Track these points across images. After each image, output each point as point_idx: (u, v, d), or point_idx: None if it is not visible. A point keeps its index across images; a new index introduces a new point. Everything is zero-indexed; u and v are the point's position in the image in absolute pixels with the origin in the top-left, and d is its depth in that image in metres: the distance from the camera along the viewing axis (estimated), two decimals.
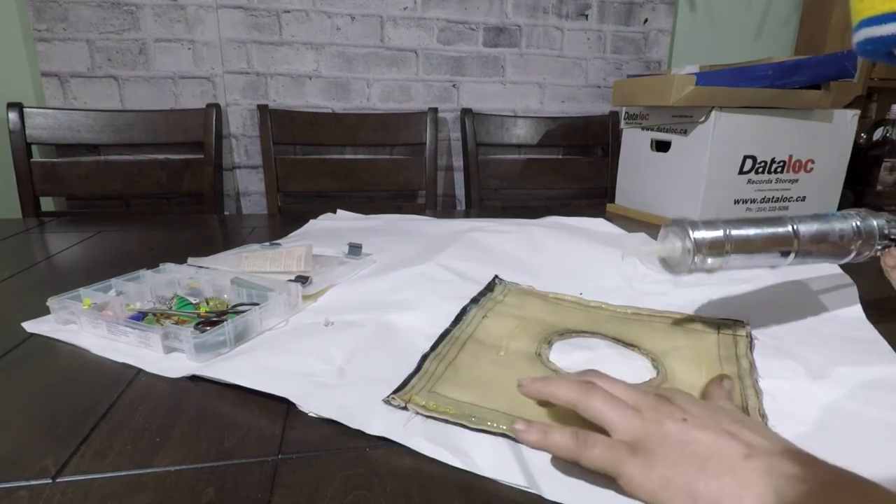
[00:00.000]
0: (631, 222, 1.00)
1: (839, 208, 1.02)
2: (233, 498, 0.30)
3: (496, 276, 0.64)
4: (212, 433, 0.36)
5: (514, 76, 1.50)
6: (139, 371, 0.44)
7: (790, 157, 0.95)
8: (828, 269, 0.63)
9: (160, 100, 1.31)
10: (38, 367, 0.45)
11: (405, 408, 0.38)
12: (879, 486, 0.25)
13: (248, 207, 1.44)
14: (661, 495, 0.28)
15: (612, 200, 1.15)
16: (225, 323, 0.46)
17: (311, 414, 0.38)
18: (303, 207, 1.42)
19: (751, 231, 0.45)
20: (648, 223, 1.00)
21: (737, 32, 1.65)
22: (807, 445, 0.35)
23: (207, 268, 0.63)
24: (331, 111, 1.40)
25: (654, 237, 0.85)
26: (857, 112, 0.98)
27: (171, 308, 0.53)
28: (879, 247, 0.47)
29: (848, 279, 0.61)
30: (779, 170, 0.95)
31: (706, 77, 0.88)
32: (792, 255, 0.45)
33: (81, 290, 0.53)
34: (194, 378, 0.42)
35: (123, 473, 0.32)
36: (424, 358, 0.44)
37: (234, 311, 0.51)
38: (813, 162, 0.97)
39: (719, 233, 0.44)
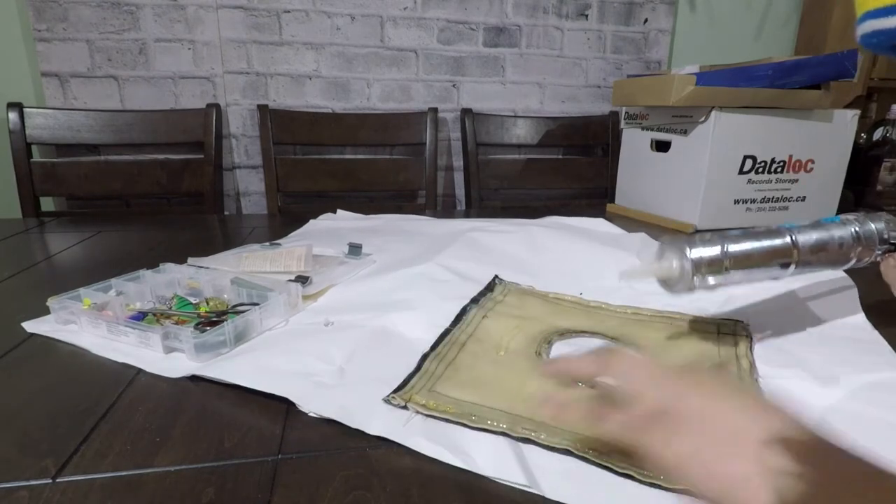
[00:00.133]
0: (631, 222, 1.00)
1: (839, 208, 1.02)
2: (233, 498, 0.30)
3: (496, 276, 0.64)
4: (212, 433, 0.36)
5: (514, 76, 1.50)
6: (139, 371, 0.44)
7: (790, 157, 0.95)
8: (828, 271, 0.63)
9: (160, 100, 1.30)
10: (38, 367, 0.45)
11: (405, 407, 0.38)
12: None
13: (248, 207, 1.44)
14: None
15: (612, 200, 1.15)
16: (225, 323, 0.46)
17: (311, 414, 0.38)
18: (303, 207, 1.42)
19: (749, 245, 0.44)
20: (648, 223, 1.00)
21: (737, 32, 1.65)
22: None
23: (207, 268, 0.63)
24: (331, 111, 1.40)
25: (654, 237, 0.85)
26: (857, 112, 0.98)
27: (171, 308, 0.53)
28: (879, 251, 0.47)
29: (849, 280, 0.61)
30: (779, 170, 0.95)
31: (706, 77, 0.88)
32: (792, 267, 0.45)
33: (81, 290, 0.53)
34: (194, 378, 0.42)
35: (123, 473, 0.32)
36: (424, 358, 0.44)
37: (234, 311, 0.51)
38: (813, 162, 0.97)
39: (717, 250, 0.43)
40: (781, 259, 0.45)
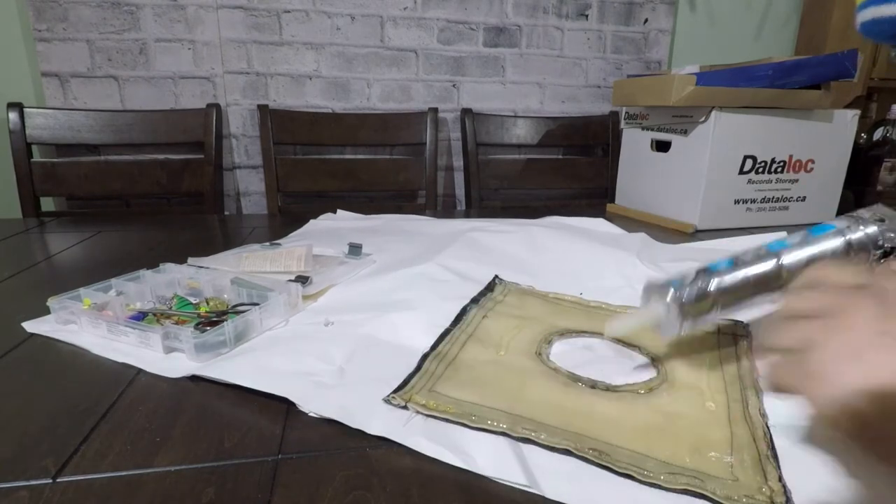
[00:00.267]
0: (631, 222, 1.00)
1: (839, 208, 1.02)
2: (233, 498, 0.30)
3: (496, 276, 0.64)
4: (212, 433, 0.36)
5: (514, 76, 1.50)
6: (139, 371, 0.44)
7: (790, 157, 0.95)
8: None
9: (160, 100, 1.30)
10: (38, 367, 0.45)
11: (405, 407, 0.38)
12: None
13: (248, 207, 1.44)
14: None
15: (612, 200, 1.15)
16: (225, 323, 0.46)
17: (311, 414, 0.38)
18: (303, 207, 1.42)
19: (736, 277, 0.42)
20: (648, 223, 1.00)
21: (737, 32, 1.65)
22: (807, 445, 0.35)
23: (207, 268, 0.63)
24: (331, 111, 1.40)
25: (654, 237, 0.85)
26: (857, 112, 0.98)
27: (171, 308, 0.53)
28: (875, 258, 0.44)
29: None
30: (779, 170, 0.95)
31: (706, 77, 0.88)
32: (784, 290, 0.42)
33: (81, 290, 0.53)
34: (194, 378, 0.42)
35: (123, 473, 0.32)
36: (424, 357, 0.44)
37: (234, 311, 0.51)
38: (813, 162, 0.97)
39: (703, 289, 0.41)
40: (772, 284, 0.42)
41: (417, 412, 0.37)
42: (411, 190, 1.44)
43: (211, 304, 0.54)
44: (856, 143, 1.00)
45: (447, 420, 0.37)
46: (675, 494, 0.30)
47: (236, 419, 0.38)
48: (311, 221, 0.95)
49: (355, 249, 0.71)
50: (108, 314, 0.50)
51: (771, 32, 1.68)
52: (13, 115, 1.17)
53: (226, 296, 0.57)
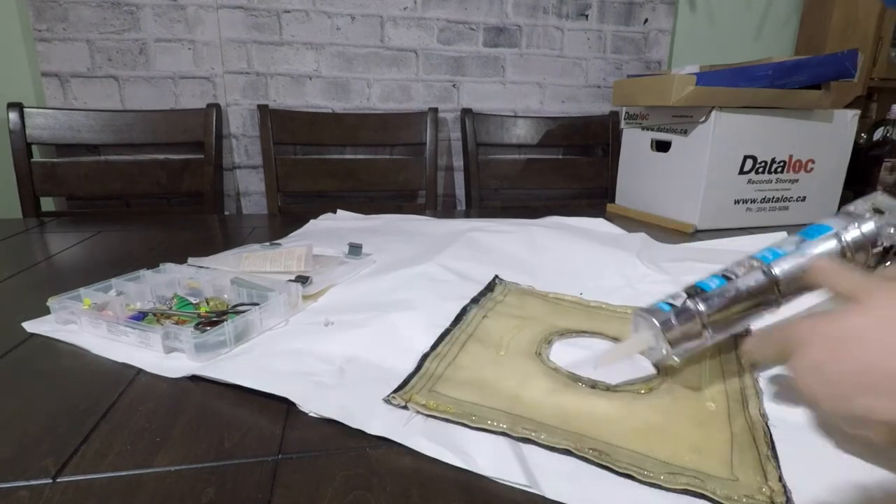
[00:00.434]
0: (631, 222, 1.00)
1: (839, 209, 1.02)
2: (233, 498, 0.30)
3: (496, 276, 0.64)
4: (212, 433, 0.36)
5: (514, 76, 1.50)
6: (139, 371, 0.44)
7: (790, 157, 0.95)
8: None
9: (160, 100, 1.30)
10: (38, 367, 0.45)
11: (405, 407, 0.38)
12: None
13: (249, 207, 1.44)
14: None
15: (612, 200, 1.15)
16: (225, 323, 0.46)
17: (311, 414, 0.38)
18: (303, 207, 1.42)
19: (726, 295, 0.40)
20: (648, 223, 1.00)
21: (737, 32, 1.65)
22: (808, 444, 0.35)
23: (207, 268, 0.63)
24: (331, 111, 1.40)
25: (654, 237, 0.85)
26: (857, 112, 0.98)
27: (171, 308, 0.53)
28: (874, 257, 0.41)
29: None
30: (779, 170, 0.95)
31: (706, 77, 0.88)
32: (779, 302, 0.41)
33: (81, 290, 0.53)
34: (194, 378, 0.42)
35: (123, 473, 0.32)
36: (425, 357, 0.44)
37: (234, 311, 0.51)
38: (813, 162, 0.97)
39: (689, 310, 0.40)
40: (763, 297, 0.40)
41: (417, 412, 0.37)
42: (411, 190, 1.44)
43: (211, 304, 0.54)
44: (856, 143, 1.00)
45: (447, 420, 0.37)
46: (675, 494, 0.30)
47: (236, 419, 0.38)
48: (311, 221, 0.95)
49: (355, 249, 0.71)
50: (108, 314, 0.50)
51: (771, 32, 1.68)
52: (13, 115, 1.17)
53: (226, 296, 0.57)
